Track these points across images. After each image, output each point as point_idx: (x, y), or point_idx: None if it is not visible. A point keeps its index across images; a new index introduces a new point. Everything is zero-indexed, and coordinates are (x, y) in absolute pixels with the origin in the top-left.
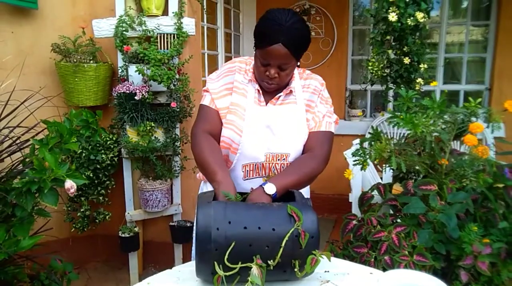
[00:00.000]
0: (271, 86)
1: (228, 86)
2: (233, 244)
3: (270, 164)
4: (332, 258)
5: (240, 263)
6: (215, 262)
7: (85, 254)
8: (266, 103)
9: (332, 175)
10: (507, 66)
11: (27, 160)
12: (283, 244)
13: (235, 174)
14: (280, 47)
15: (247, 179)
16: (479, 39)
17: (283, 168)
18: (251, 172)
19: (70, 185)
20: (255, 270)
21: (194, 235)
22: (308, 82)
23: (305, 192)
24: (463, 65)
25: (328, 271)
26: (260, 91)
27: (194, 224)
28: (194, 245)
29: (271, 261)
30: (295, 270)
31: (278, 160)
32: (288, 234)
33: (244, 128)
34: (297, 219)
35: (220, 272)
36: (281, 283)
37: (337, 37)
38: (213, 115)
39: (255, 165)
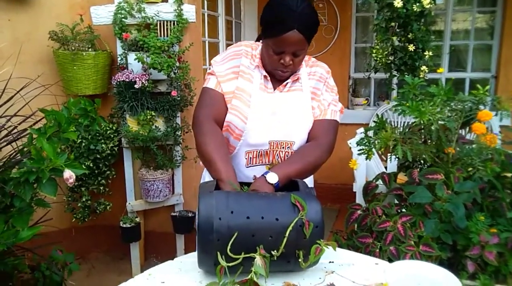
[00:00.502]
0: (286, 74)
1: (234, 69)
2: (235, 234)
3: (274, 152)
4: (337, 249)
5: (243, 253)
6: (218, 253)
7: (87, 244)
8: (274, 90)
9: (336, 165)
10: None
11: (25, 149)
12: (287, 234)
13: (238, 160)
14: (296, 33)
15: (250, 166)
16: (485, 26)
17: (287, 156)
18: (254, 159)
19: (69, 175)
20: (258, 260)
21: (196, 225)
22: (314, 70)
23: (309, 181)
24: (469, 52)
25: (332, 262)
26: (268, 78)
27: (196, 214)
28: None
29: (275, 251)
30: (299, 260)
31: (283, 147)
32: (292, 224)
33: (249, 115)
34: (301, 208)
35: (223, 263)
36: (285, 273)
37: (340, 25)
38: (218, 99)
39: (259, 152)
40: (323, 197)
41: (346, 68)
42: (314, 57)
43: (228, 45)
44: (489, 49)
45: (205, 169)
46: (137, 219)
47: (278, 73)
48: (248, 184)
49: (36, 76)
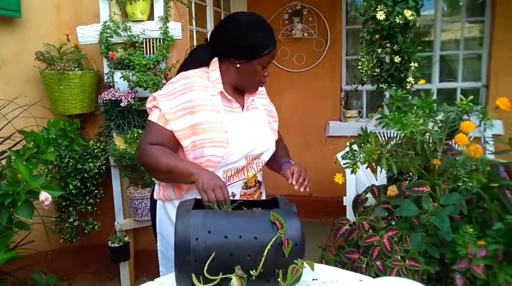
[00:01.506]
0: (263, 85)
1: (184, 105)
2: (213, 254)
3: (249, 165)
4: (321, 266)
5: (221, 273)
6: (193, 274)
7: (76, 265)
8: (242, 109)
9: (329, 177)
10: (503, 63)
11: (3, 172)
12: (265, 253)
13: None
14: (275, 46)
15: (229, 185)
16: (475, 35)
17: (258, 166)
18: (232, 176)
19: (44, 197)
20: (235, 281)
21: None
22: (260, 89)
23: None
24: (459, 62)
25: (316, 279)
26: (233, 99)
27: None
28: None
29: (254, 271)
30: (278, 280)
31: (255, 159)
32: (271, 242)
33: (229, 140)
34: (279, 226)
35: (198, 285)
36: None
37: (331, 38)
38: (165, 134)
39: (237, 169)
40: (317, 211)
41: (338, 81)
42: (305, 70)
43: None
44: (479, 58)
45: (161, 201)
46: (126, 238)
47: (259, 86)
48: (235, 201)
49: (24, 97)
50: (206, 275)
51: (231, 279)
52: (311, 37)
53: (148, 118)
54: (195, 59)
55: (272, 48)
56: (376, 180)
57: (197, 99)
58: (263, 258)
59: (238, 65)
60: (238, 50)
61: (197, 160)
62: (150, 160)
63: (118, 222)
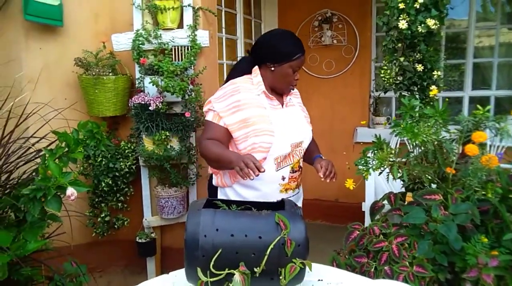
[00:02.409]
0: (295, 87)
1: (234, 104)
2: (219, 251)
3: (293, 151)
4: (328, 267)
5: (227, 269)
6: (199, 268)
7: (107, 258)
8: (282, 106)
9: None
10: None
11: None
12: (268, 252)
13: (268, 167)
14: (303, 54)
15: (279, 169)
16: (510, 42)
17: (300, 152)
18: (281, 162)
19: (70, 192)
20: (237, 277)
21: None
22: (293, 91)
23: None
24: (494, 69)
25: (321, 280)
26: (274, 98)
27: None
28: None
29: (257, 268)
30: (280, 278)
31: (298, 146)
32: (274, 242)
33: (275, 130)
34: (283, 227)
35: (203, 278)
36: None
37: (360, 44)
38: (219, 130)
39: (284, 156)
40: (342, 217)
41: (367, 87)
42: (334, 76)
43: None
44: None
45: (213, 174)
46: (153, 235)
47: (290, 88)
48: (237, 202)
49: (64, 100)
50: (213, 270)
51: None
52: (340, 44)
53: (205, 119)
54: (240, 69)
55: (300, 55)
56: (401, 187)
57: (244, 99)
58: (266, 257)
59: (272, 69)
60: (273, 55)
61: (248, 147)
62: (205, 151)
63: (146, 219)
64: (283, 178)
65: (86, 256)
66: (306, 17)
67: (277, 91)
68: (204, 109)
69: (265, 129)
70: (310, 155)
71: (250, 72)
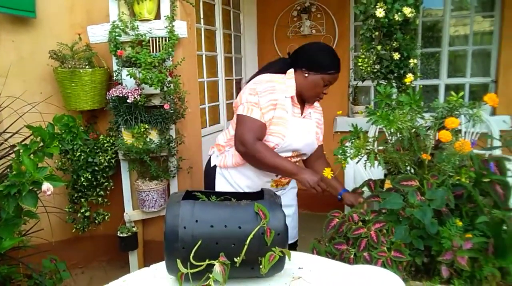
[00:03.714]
0: (320, 100)
1: (273, 102)
2: (199, 242)
3: (293, 157)
4: (308, 255)
5: (207, 260)
6: (178, 260)
7: (88, 253)
8: (301, 115)
9: (337, 171)
10: None
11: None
12: (247, 242)
13: None
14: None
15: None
16: (485, 30)
17: (299, 159)
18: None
19: (46, 187)
20: (217, 267)
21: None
22: (317, 104)
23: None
24: (468, 58)
25: (302, 268)
26: (298, 105)
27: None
28: None
29: (237, 258)
30: (260, 266)
31: (298, 156)
32: (254, 232)
33: (286, 135)
34: (263, 216)
35: (183, 270)
36: (251, 279)
37: (338, 34)
38: (264, 127)
39: (284, 157)
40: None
41: (346, 77)
42: None
43: (226, 57)
44: (488, 54)
45: (219, 167)
46: (134, 229)
47: (316, 99)
48: (216, 193)
49: (39, 94)
50: (193, 261)
51: None
52: (319, 33)
53: (247, 114)
54: (275, 66)
55: (334, 71)
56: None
57: (278, 99)
58: (245, 246)
59: (306, 75)
60: (311, 63)
61: (266, 143)
62: (259, 155)
63: (127, 213)
64: (277, 174)
65: (67, 252)
66: (285, 7)
67: (303, 98)
68: (243, 100)
69: (279, 132)
70: (333, 186)
71: (282, 72)
